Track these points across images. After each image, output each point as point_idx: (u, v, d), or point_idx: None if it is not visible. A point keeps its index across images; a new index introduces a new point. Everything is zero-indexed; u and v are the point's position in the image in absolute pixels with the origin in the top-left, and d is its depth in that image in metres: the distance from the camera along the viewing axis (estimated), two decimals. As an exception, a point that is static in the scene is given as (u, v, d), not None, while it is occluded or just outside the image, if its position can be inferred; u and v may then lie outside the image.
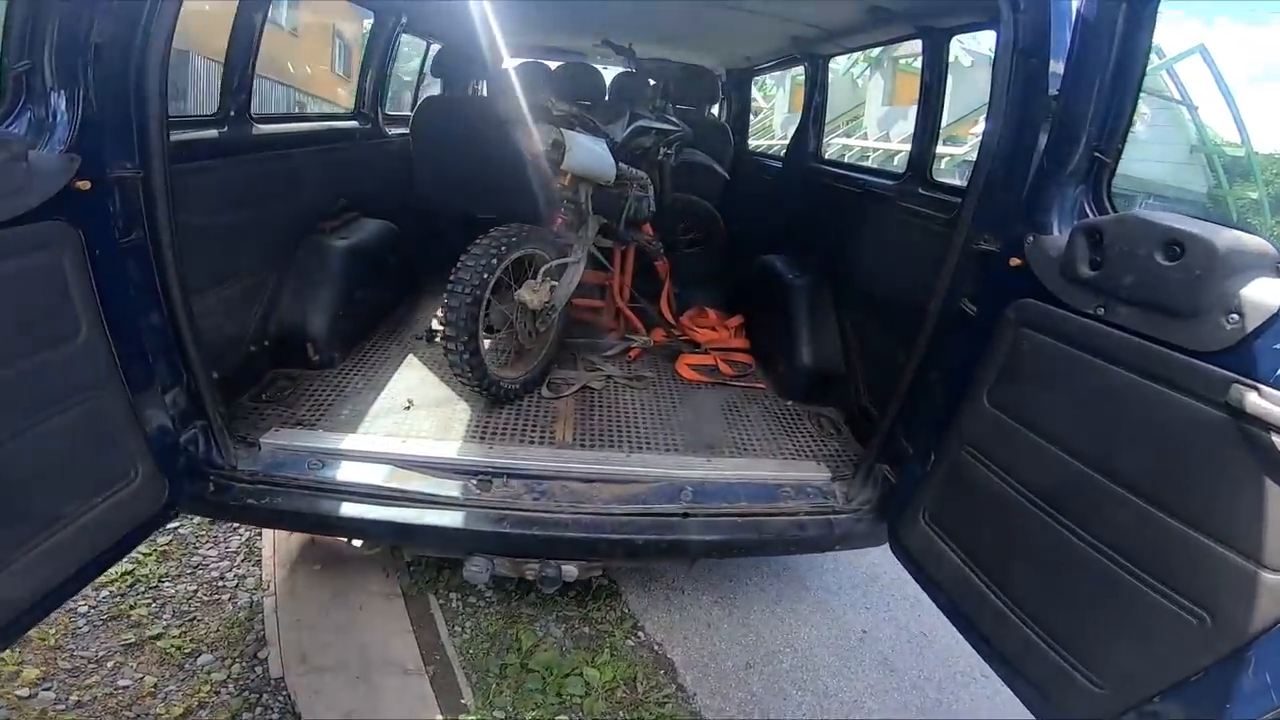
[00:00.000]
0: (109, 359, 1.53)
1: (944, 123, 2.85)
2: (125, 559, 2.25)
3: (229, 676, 2.20)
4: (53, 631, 2.25)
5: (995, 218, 1.72)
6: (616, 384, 2.83)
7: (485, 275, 2.30)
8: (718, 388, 2.92)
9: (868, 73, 17.70)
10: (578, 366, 2.95)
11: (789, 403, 2.82)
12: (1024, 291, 1.56)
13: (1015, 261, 1.62)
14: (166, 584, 2.55)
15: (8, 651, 2.14)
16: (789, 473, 2.27)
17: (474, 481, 2.02)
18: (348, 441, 2.16)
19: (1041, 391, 1.52)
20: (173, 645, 2.27)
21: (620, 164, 2.65)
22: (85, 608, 2.37)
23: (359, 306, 2.88)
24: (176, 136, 1.85)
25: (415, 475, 2.02)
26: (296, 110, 11.90)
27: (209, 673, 2.20)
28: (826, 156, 3.93)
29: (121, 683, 2.13)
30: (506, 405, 2.51)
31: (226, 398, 2.07)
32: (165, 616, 2.40)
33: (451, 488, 2.00)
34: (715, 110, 4.98)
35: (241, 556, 2.74)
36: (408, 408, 2.43)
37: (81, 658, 2.19)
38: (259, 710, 2.10)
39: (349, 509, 1.94)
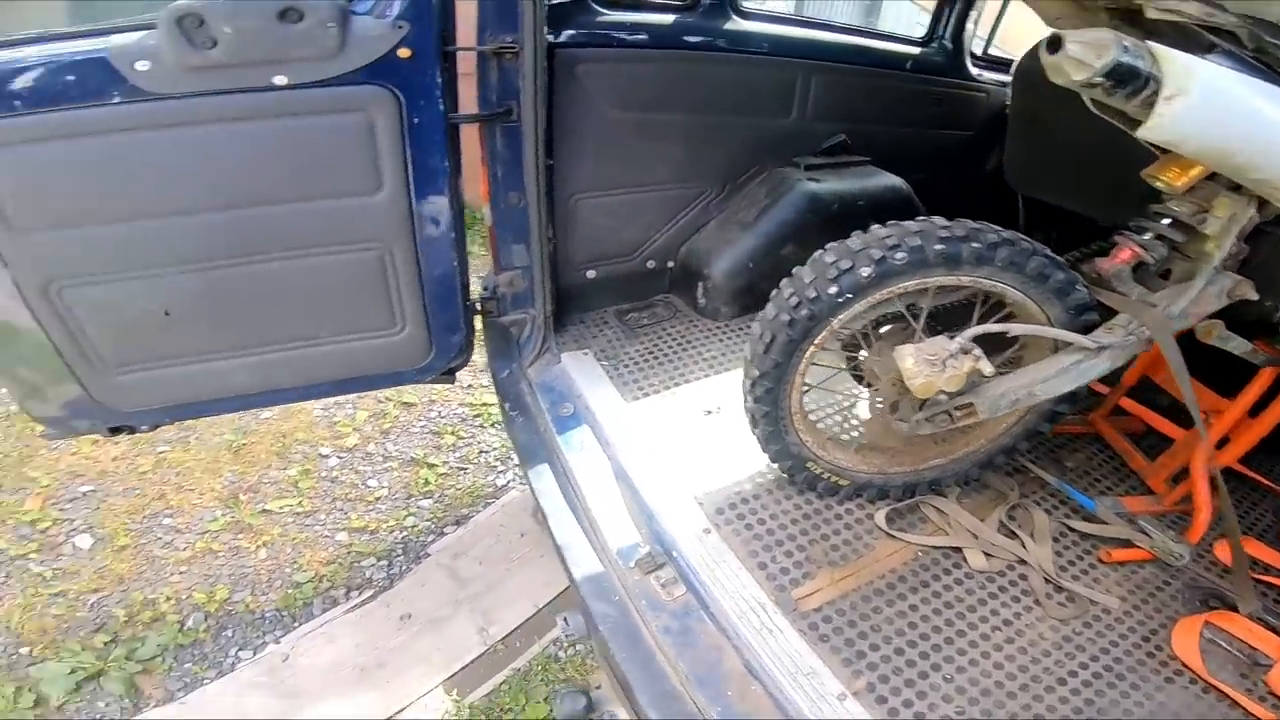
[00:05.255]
0: (405, 220, 1.54)
1: None
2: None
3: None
4: (369, 427, 2.83)
5: None
6: (1010, 583, 1.47)
7: (836, 299, 1.34)
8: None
9: None
10: (984, 500, 1.64)
11: None
12: None
13: None
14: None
15: (344, 422, 2.80)
16: None
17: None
18: (616, 411, 1.82)
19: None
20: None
21: None
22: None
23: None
24: (624, 18, 1.90)
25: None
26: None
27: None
28: None
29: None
30: (815, 496, 1.61)
31: (602, 300, 2.16)
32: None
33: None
34: None
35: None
36: (709, 414, 1.85)
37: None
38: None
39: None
